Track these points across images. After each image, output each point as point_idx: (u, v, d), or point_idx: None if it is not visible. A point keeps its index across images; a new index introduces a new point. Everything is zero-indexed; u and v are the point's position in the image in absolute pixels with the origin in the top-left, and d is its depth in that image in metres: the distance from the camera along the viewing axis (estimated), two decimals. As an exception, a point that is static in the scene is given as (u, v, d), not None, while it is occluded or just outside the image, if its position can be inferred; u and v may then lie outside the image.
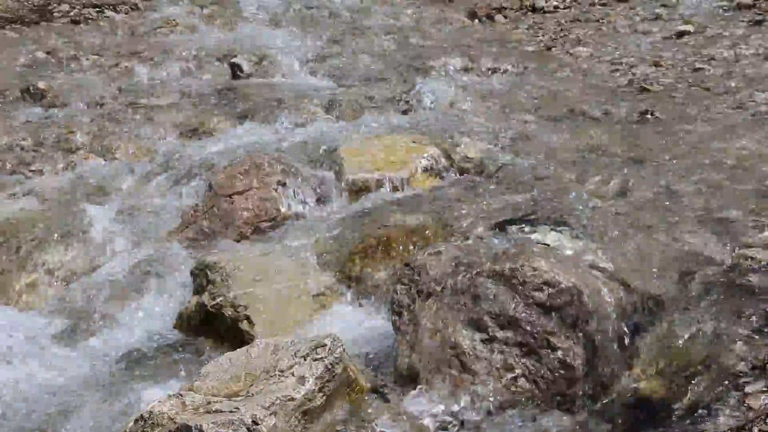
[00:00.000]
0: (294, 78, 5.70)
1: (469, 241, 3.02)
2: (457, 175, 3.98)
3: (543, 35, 6.66)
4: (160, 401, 2.23)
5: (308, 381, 2.26)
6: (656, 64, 5.52)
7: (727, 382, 2.26)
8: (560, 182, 3.71)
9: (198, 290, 3.22)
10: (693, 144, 4.02)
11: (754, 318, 2.49)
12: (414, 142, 4.15)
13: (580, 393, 2.40)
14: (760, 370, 2.27)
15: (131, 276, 3.44)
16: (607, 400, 2.41)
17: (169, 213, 3.86)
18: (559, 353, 2.40)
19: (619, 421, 2.30)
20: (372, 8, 7.50)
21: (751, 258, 2.81)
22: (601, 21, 6.88)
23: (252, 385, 2.28)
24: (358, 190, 3.82)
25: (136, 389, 2.71)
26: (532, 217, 3.19)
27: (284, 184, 3.80)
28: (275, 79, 5.67)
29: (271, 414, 2.14)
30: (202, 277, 3.21)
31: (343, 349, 2.38)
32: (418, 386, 2.46)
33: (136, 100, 5.21)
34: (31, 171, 4.26)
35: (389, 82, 5.44)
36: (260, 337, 2.79)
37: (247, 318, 2.98)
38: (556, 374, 2.39)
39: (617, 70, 5.53)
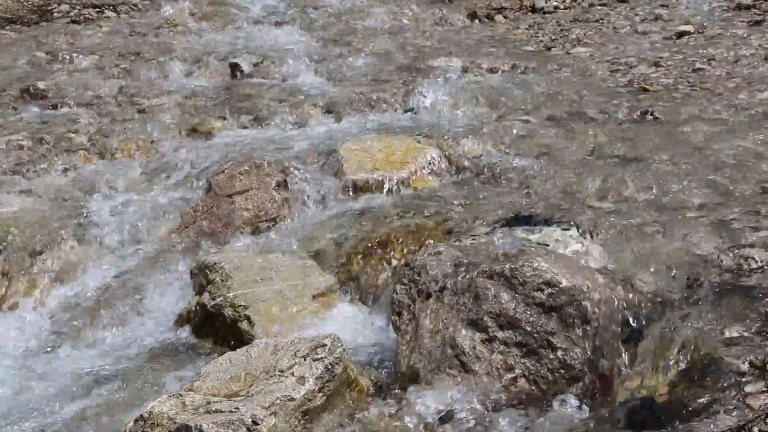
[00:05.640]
0: (294, 78, 5.69)
1: (469, 241, 3.02)
2: (457, 175, 3.98)
3: (543, 35, 6.65)
4: (160, 401, 2.23)
5: (308, 381, 2.26)
6: (656, 64, 5.51)
7: (727, 382, 2.26)
8: (560, 182, 3.71)
9: (198, 290, 3.22)
10: (693, 144, 4.02)
11: (754, 318, 2.49)
12: (414, 142, 4.15)
13: (580, 393, 2.40)
14: (760, 370, 2.27)
15: (131, 276, 3.45)
16: (606, 401, 2.41)
17: (169, 213, 3.87)
18: (559, 353, 2.40)
19: (619, 422, 2.30)
20: (372, 8, 7.50)
21: (751, 258, 2.81)
22: (601, 21, 6.88)
23: (252, 385, 2.28)
24: (358, 190, 3.82)
25: (136, 389, 2.72)
26: (532, 217, 3.19)
27: (284, 185, 3.81)
28: (275, 79, 5.66)
29: (271, 414, 2.14)
30: (202, 277, 3.21)
31: (343, 349, 2.38)
32: (418, 386, 2.46)
33: (136, 100, 5.21)
34: (31, 171, 4.26)
35: (389, 82, 5.43)
36: (260, 337, 2.79)
37: (247, 318, 2.98)
38: (556, 374, 2.40)
39: (617, 70, 5.52)
